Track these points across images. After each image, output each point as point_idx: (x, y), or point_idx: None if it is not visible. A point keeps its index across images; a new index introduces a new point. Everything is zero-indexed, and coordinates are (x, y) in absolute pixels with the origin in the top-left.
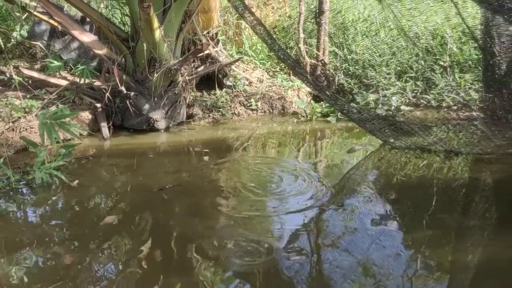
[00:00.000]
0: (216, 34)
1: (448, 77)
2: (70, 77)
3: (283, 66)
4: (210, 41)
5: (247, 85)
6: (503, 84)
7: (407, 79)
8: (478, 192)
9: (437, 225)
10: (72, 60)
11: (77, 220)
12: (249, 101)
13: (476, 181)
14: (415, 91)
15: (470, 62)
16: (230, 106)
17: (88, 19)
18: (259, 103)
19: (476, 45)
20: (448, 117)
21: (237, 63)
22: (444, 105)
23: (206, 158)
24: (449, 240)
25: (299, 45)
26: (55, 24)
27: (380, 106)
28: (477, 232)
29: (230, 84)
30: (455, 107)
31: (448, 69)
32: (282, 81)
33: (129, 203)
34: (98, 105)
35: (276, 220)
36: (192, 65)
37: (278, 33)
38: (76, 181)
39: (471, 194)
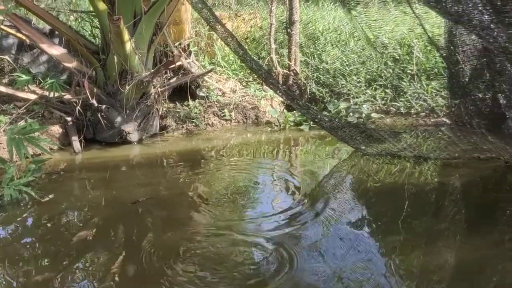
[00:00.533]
0: (188, 45)
1: (415, 85)
2: (39, 91)
3: (255, 77)
4: (182, 52)
5: (220, 95)
6: (467, 91)
7: (377, 87)
8: (447, 196)
9: (409, 229)
10: (41, 73)
11: (49, 237)
12: (223, 111)
13: (445, 186)
14: (385, 99)
15: (436, 70)
16: (204, 117)
17: (57, 32)
18: (232, 113)
19: (440, 53)
20: (416, 124)
21: (210, 74)
22: (412, 111)
23: (180, 169)
24: (421, 244)
25: (271, 56)
26: (23, 37)
27: (351, 114)
28: (448, 236)
29: (203, 95)
30: (423, 114)
31: (416, 77)
32: (255, 91)
33: (102, 218)
34: (69, 118)
35: (253, 230)
36: (164, 76)
37: (249, 44)
38: (50, 196)
39: (441, 198)
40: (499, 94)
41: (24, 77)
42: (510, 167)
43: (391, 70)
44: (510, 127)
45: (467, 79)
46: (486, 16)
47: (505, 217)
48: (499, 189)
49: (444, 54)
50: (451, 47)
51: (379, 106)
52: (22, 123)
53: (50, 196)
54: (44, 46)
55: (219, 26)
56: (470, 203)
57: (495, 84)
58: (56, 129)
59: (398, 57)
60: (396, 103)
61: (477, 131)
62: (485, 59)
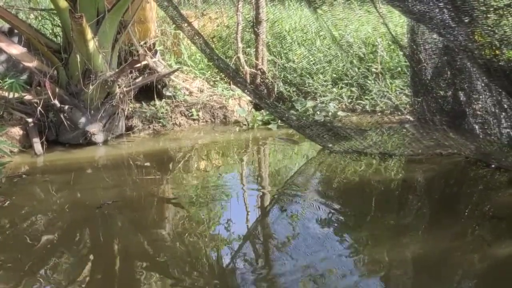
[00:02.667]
0: (154, 44)
1: (380, 83)
2: None
3: (223, 76)
4: (147, 51)
5: (187, 95)
6: (429, 89)
7: (343, 85)
8: (412, 191)
9: (376, 224)
10: None
11: (11, 243)
12: (190, 111)
13: (409, 181)
14: (351, 97)
15: (399, 69)
16: (171, 117)
17: (16, 31)
18: (200, 113)
19: (403, 52)
20: (381, 121)
21: (176, 73)
22: (378, 109)
23: (147, 171)
24: (387, 238)
25: (238, 55)
26: None
27: (318, 112)
28: (412, 230)
29: (170, 94)
30: (388, 111)
31: (380, 75)
32: (222, 90)
33: (67, 222)
34: (30, 120)
35: (221, 229)
36: (130, 76)
37: (216, 42)
38: (11, 200)
39: (406, 194)
40: (460, 92)
41: None
42: (470, 162)
43: (356, 69)
44: (470, 123)
45: (429, 77)
46: (447, 15)
47: (467, 210)
48: (461, 183)
49: (407, 53)
50: (414, 46)
51: (345, 105)
52: None
53: (11, 200)
54: (3, 45)
55: (186, 25)
56: (433, 197)
57: (455, 82)
58: (17, 131)
59: (363, 56)
60: (361, 101)
61: (439, 128)
62: (446, 58)
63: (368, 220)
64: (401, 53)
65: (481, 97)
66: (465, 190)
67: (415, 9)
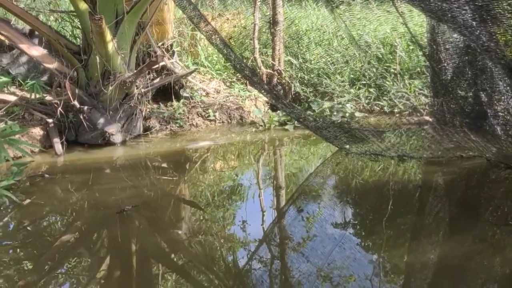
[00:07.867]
0: (171, 45)
1: (399, 84)
2: (19, 93)
3: (239, 77)
4: (165, 52)
5: (204, 96)
6: (450, 89)
7: (361, 86)
8: (431, 193)
9: (394, 227)
10: (21, 75)
11: (31, 241)
12: (207, 111)
13: (428, 183)
14: (369, 98)
15: (418, 69)
16: (188, 118)
17: (37, 33)
18: (217, 114)
19: (422, 52)
20: (400, 123)
21: (193, 74)
22: (396, 110)
23: (164, 171)
24: (406, 241)
25: (255, 55)
26: (2, 38)
27: (335, 113)
28: (432, 233)
29: (187, 95)
30: (406, 112)
31: (399, 76)
32: (239, 91)
33: (86, 221)
34: (50, 120)
35: (238, 230)
36: (148, 77)
37: (233, 43)
38: (32, 199)
39: (425, 196)
40: (481, 92)
41: (4, 78)
42: (491, 164)
43: (374, 69)
44: (492, 124)
45: (449, 77)
46: (469, 14)
47: (488, 213)
48: (482, 186)
49: (427, 53)
50: (434, 46)
51: (363, 105)
52: (2, 125)
53: (32, 199)
54: (24, 47)
55: (204, 25)
56: (454, 200)
57: (477, 82)
58: (37, 131)
59: (381, 56)
60: (379, 102)
61: (459, 130)
62: (467, 57)
63: (386, 222)
64: (421, 53)
65: (503, 97)
66: (486, 192)
67: (436, 8)
